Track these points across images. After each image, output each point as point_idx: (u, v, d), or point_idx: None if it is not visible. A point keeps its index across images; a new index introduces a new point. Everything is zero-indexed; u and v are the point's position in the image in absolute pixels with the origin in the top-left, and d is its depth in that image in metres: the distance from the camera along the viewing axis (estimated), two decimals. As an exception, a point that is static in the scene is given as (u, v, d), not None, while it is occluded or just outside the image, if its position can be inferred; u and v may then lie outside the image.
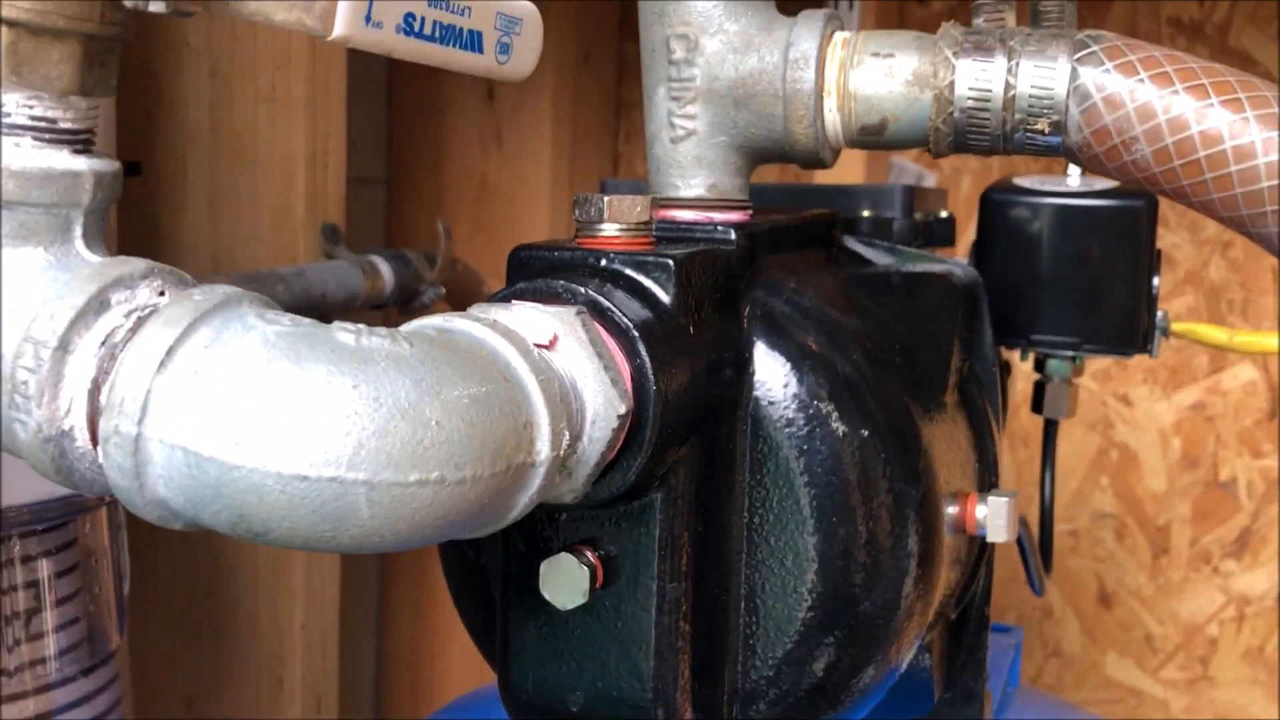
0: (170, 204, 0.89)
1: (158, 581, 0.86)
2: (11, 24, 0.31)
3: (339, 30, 0.33)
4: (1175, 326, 0.70)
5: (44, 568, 0.61)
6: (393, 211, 1.26)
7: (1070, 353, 0.66)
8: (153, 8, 0.31)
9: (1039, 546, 0.70)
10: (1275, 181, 0.42)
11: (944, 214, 0.72)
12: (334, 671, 0.94)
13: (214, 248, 0.88)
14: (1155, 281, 0.65)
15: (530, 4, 0.41)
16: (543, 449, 0.34)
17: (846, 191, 0.68)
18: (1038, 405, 0.71)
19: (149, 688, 0.85)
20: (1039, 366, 0.70)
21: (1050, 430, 0.74)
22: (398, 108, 1.25)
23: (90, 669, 0.63)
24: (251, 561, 0.88)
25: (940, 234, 0.71)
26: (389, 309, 0.96)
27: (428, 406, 0.30)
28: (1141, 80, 0.44)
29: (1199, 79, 0.43)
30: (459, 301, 1.03)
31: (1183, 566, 1.18)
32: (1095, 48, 0.45)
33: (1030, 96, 0.45)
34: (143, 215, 0.88)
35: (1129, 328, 0.65)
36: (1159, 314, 0.66)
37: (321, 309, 0.85)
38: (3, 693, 0.59)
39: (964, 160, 1.22)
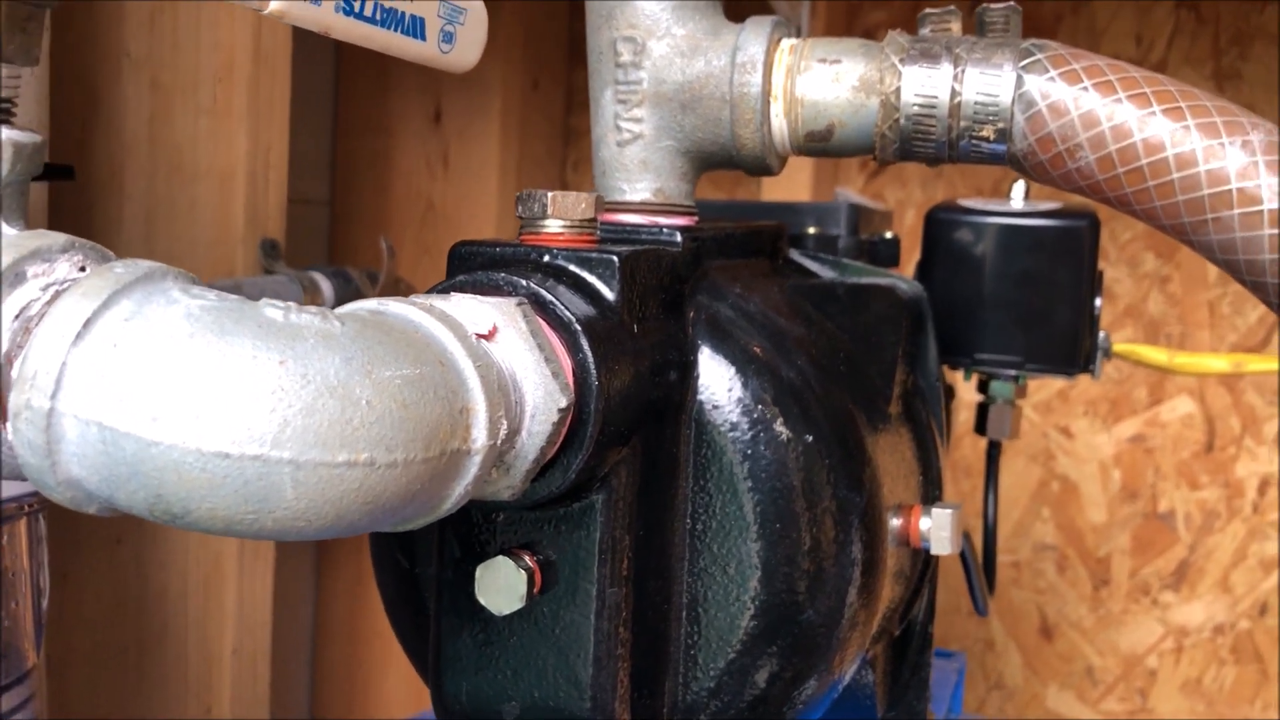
0: (105, 216, 0.86)
1: (82, 600, 0.83)
2: (-71, -17, 0.30)
3: (275, 3, 0.32)
4: (1117, 347, 0.70)
5: (-43, 581, 0.59)
6: (336, 233, 1.25)
7: (1013, 372, 0.66)
8: (80, -29, 0.30)
9: (983, 566, 0.70)
10: (1215, 189, 0.42)
11: (889, 235, 0.72)
12: (265, 698, 0.91)
13: (149, 260, 0.86)
14: (1098, 302, 0.65)
15: (475, -5, 0.40)
16: (479, 436, 0.32)
17: (793, 208, 0.68)
18: (981, 427, 0.71)
19: (68, 711, 0.82)
20: (982, 388, 0.71)
21: (993, 453, 0.74)
22: (342, 128, 1.24)
23: (4, 687, 0.60)
24: (181, 580, 0.85)
25: (885, 254, 0.71)
26: (329, 327, 0.94)
27: (358, 385, 0.29)
28: (1085, 88, 0.44)
29: (1141, 88, 0.44)
30: (401, 322, 1.02)
31: (1122, 598, 1.19)
32: (1040, 56, 0.45)
33: (976, 103, 0.45)
34: (77, 227, 0.86)
35: (1071, 348, 0.65)
36: (1101, 335, 0.67)
37: (259, 324, 0.83)
38: (-92, 711, 0.56)
39: (909, 192, 1.24)
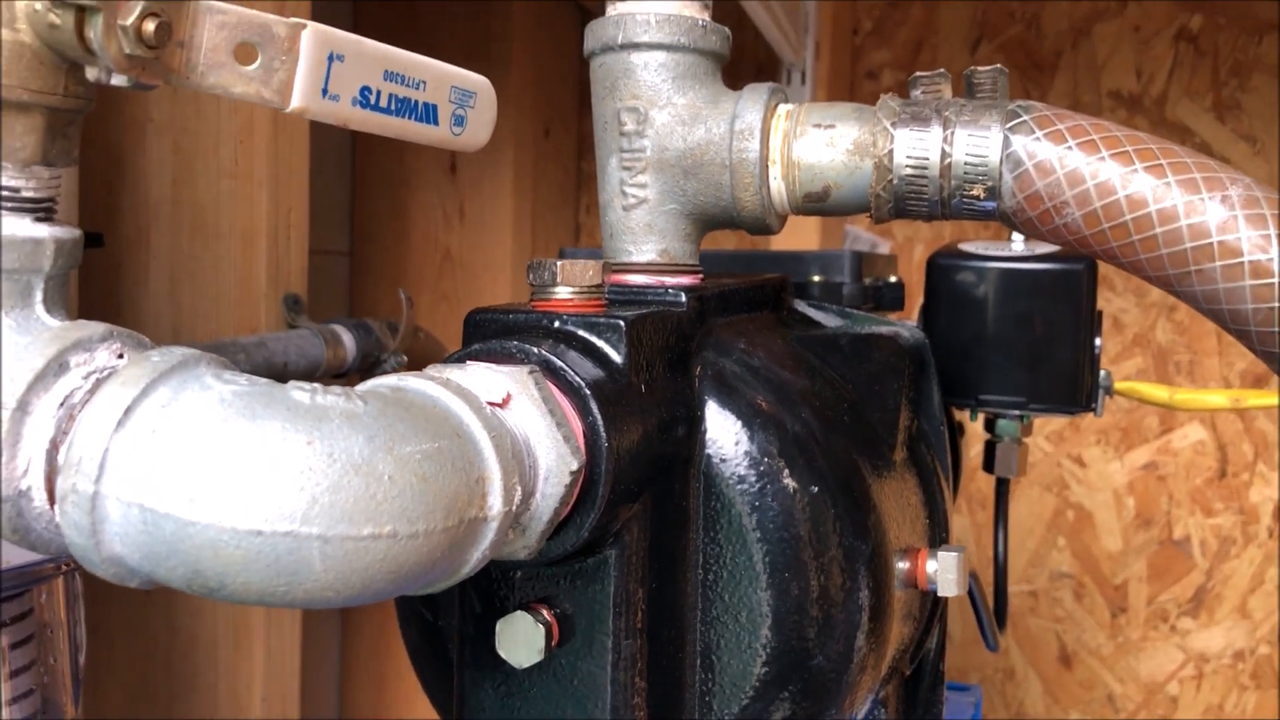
0: (132, 276, 0.89)
1: (114, 653, 0.85)
2: (-23, 98, 0.32)
3: (296, 102, 0.35)
4: (1118, 385, 0.72)
5: (-2, 639, 0.61)
6: (356, 283, 1.27)
7: (1018, 412, 0.68)
8: (115, 81, 0.32)
9: (994, 603, 0.71)
10: (1197, 242, 0.44)
11: (893, 279, 0.74)
12: (294, 745, 0.93)
13: (175, 319, 0.88)
14: (1097, 342, 0.67)
15: (483, 78, 0.43)
16: (495, 503, 0.34)
17: (798, 257, 0.70)
18: (989, 465, 0.72)
19: (104, 763, 0.84)
20: (989, 426, 0.72)
21: (1002, 489, 0.75)
22: (360, 181, 1.27)
23: (44, 742, 0.62)
24: (211, 632, 0.87)
25: (890, 298, 0.73)
26: (351, 378, 0.96)
27: (381, 462, 0.31)
28: (1070, 147, 0.46)
29: (1123, 146, 0.46)
30: (422, 369, 1.04)
31: (1141, 625, 1.19)
32: (1026, 117, 0.47)
33: (965, 164, 0.47)
34: (104, 287, 0.89)
35: (1073, 387, 0.66)
36: (1102, 373, 0.68)
37: (283, 378, 0.85)
38: (-47, 768, 0.58)
39: (915, 228, 1.25)
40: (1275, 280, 0.43)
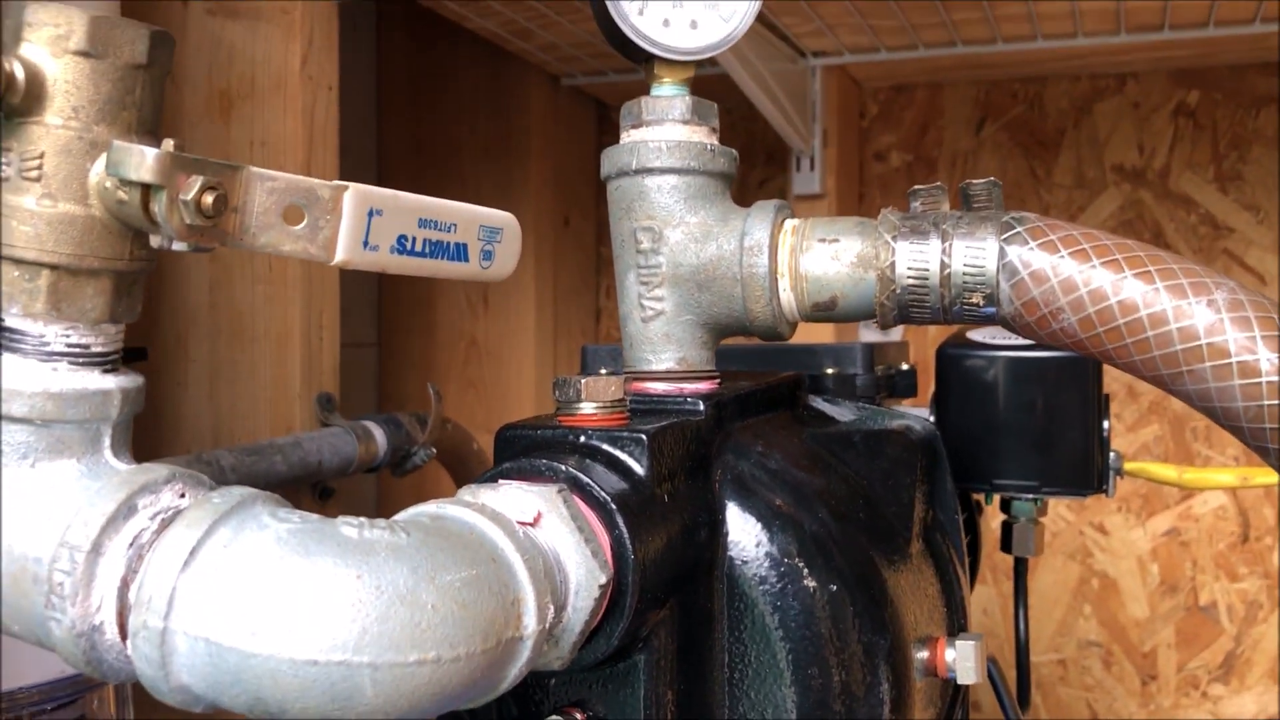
0: (172, 380, 0.93)
1: (159, 752, 0.87)
2: (53, 267, 0.35)
3: (340, 256, 0.38)
4: (1128, 466, 0.74)
5: (53, 745, 0.63)
6: (385, 373, 1.31)
7: (1031, 495, 0.70)
8: (176, 247, 0.36)
9: (1017, 681, 0.73)
10: (1187, 344, 0.46)
11: (905, 366, 0.77)
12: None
13: (214, 421, 0.92)
14: (1106, 425, 0.69)
15: (509, 214, 0.46)
16: (530, 623, 0.37)
17: (811, 351, 0.73)
18: (1006, 545, 0.74)
19: None
20: (1005, 507, 0.74)
21: (1021, 568, 0.77)
22: (388, 275, 1.31)
23: (97, 845, 0.64)
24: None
25: (902, 385, 0.75)
26: (382, 471, 0.99)
27: (424, 591, 0.34)
28: (1062, 256, 0.49)
29: (1113, 254, 0.48)
30: (450, 460, 1.07)
31: (1172, 692, 1.19)
32: (1020, 229, 0.50)
33: (964, 274, 0.50)
34: (145, 391, 0.92)
35: (1084, 470, 0.68)
36: (1112, 454, 0.70)
37: (318, 475, 0.88)
38: None
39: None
40: (1263, 380, 0.45)
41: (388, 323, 1.31)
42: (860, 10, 1.08)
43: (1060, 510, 1.21)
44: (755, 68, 1.04)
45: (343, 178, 0.98)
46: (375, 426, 0.96)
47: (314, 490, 0.94)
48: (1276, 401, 0.45)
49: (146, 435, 0.93)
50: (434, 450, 1.00)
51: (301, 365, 0.92)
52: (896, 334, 0.90)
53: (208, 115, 0.93)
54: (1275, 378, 0.44)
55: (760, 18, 1.03)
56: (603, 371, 0.75)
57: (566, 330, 1.36)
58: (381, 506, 1.30)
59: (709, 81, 1.14)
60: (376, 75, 1.32)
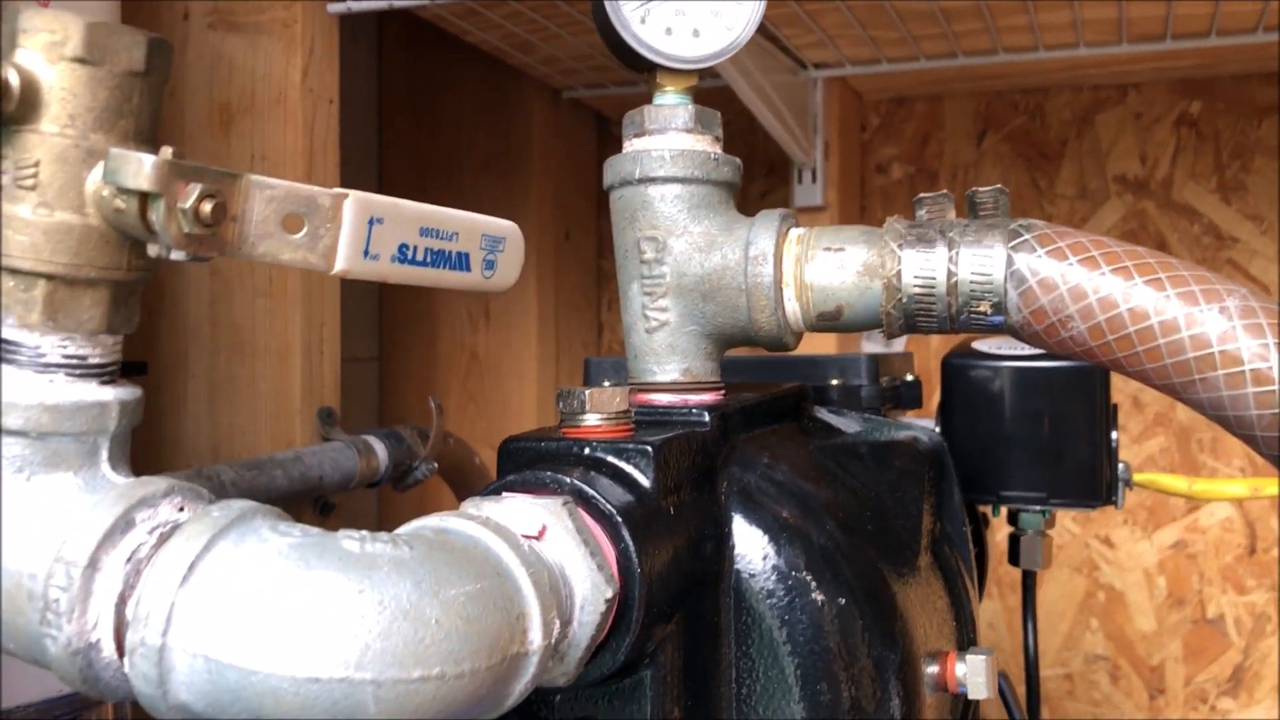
0: (172, 395, 0.92)
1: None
2: (49, 277, 0.35)
3: (340, 265, 0.37)
4: (1137, 478, 0.73)
5: (51, 765, 0.62)
6: (386, 387, 1.30)
7: (1039, 507, 0.69)
8: (174, 257, 0.35)
9: (1026, 697, 0.72)
10: (1199, 352, 0.46)
11: (910, 377, 0.76)
12: None
13: (214, 436, 0.91)
14: (1114, 436, 0.68)
15: (511, 223, 0.45)
16: (535, 638, 0.36)
17: (816, 362, 0.72)
18: (1014, 558, 0.74)
19: None
20: (1012, 519, 0.73)
21: (1029, 581, 0.76)
22: (388, 288, 1.30)
23: None
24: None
25: (907, 397, 0.75)
26: (384, 485, 0.98)
27: (428, 606, 0.33)
28: (1071, 264, 0.48)
29: (1123, 261, 0.48)
30: (452, 474, 1.06)
31: (1180, 706, 1.18)
32: (1028, 236, 0.49)
33: (971, 282, 0.49)
34: (145, 408, 0.91)
35: (1092, 482, 0.68)
36: (1120, 466, 0.69)
37: (319, 490, 0.88)
38: None
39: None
40: (1276, 387, 0.44)
41: (388, 336, 1.30)
42: (861, 21, 1.08)
43: (1066, 523, 1.20)
44: (756, 79, 1.04)
45: (343, 191, 0.98)
46: (376, 441, 0.95)
47: (315, 505, 0.94)
48: (1291, 409, 0.44)
49: (147, 450, 0.92)
50: (436, 465, 1.00)
51: (302, 379, 0.92)
52: (899, 345, 0.89)
53: (208, 129, 0.92)
54: (1290, 385, 0.44)
55: (761, 29, 1.02)
56: (606, 384, 0.74)
57: (568, 344, 1.36)
58: (383, 521, 1.29)
59: (710, 93, 1.14)
60: (377, 88, 1.32)
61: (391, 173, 1.29)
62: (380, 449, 0.94)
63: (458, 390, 1.29)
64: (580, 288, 1.40)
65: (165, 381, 0.92)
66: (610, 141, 1.47)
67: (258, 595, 0.32)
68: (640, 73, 0.55)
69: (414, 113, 1.30)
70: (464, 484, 1.07)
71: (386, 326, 1.30)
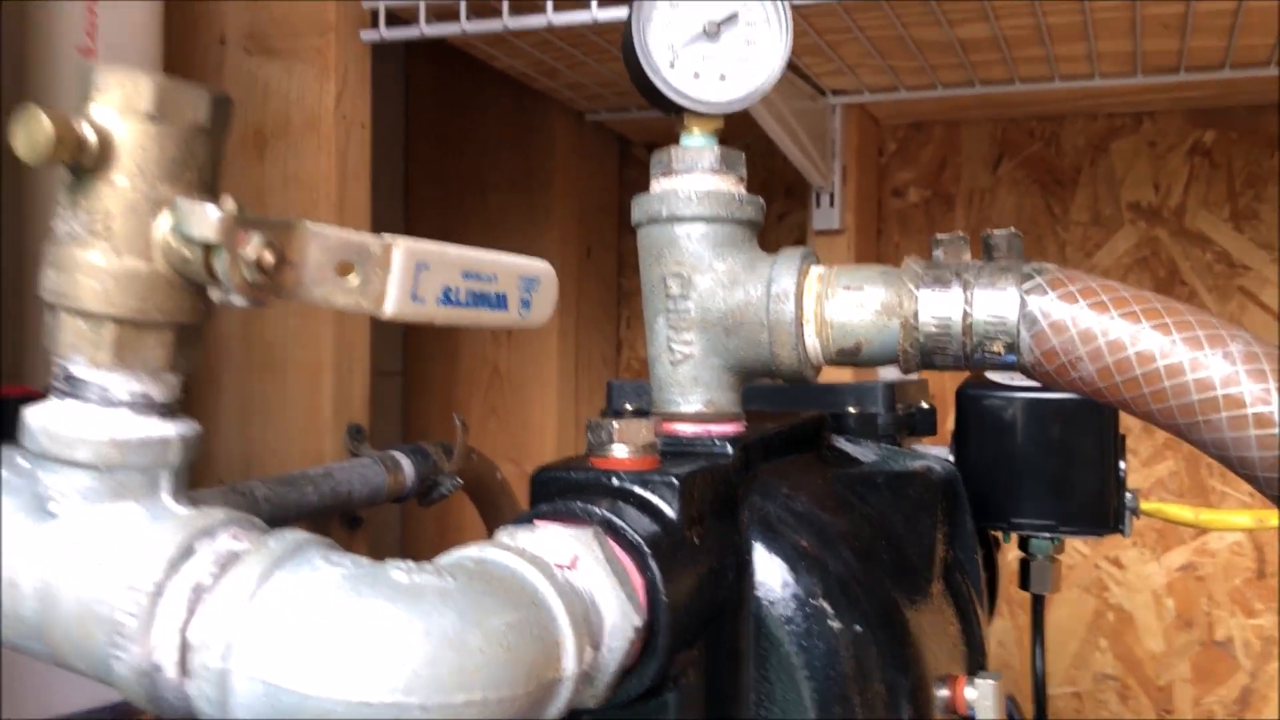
0: (205, 412, 0.95)
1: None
2: (118, 320, 0.37)
3: (390, 308, 0.40)
4: (1144, 506, 0.75)
5: (91, 772, 0.65)
6: (409, 401, 1.33)
7: (1048, 535, 0.71)
8: (235, 301, 0.37)
9: (1034, 718, 0.74)
10: (1203, 395, 0.48)
11: (925, 405, 0.78)
12: None
13: (246, 453, 0.94)
14: (1122, 465, 0.70)
15: (545, 263, 0.48)
16: (569, 665, 0.38)
17: (834, 390, 0.74)
18: (1024, 582, 0.75)
19: None
20: (1023, 545, 0.75)
21: (1038, 605, 0.78)
22: (412, 304, 1.33)
23: None
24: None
25: (922, 424, 0.77)
26: (410, 499, 1.01)
27: (471, 636, 0.35)
28: (1081, 307, 0.50)
29: (1130, 305, 0.50)
30: (475, 489, 1.09)
31: (1188, 727, 1.20)
32: (1040, 279, 0.51)
33: (985, 323, 0.51)
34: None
35: (1101, 510, 0.70)
36: (1128, 495, 0.71)
37: (348, 505, 0.90)
38: None
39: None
40: (1277, 430, 0.46)
41: (412, 351, 1.33)
42: (880, 51, 1.10)
43: (1075, 544, 1.22)
44: (776, 106, 1.06)
45: (372, 212, 1.00)
46: (403, 457, 0.97)
47: (343, 520, 0.96)
48: (1291, 453, 0.46)
49: (178, 464, 0.95)
50: (460, 480, 1.02)
51: (332, 396, 0.94)
52: (915, 373, 0.91)
53: (243, 153, 0.95)
54: (1290, 430, 0.46)
55: (782, 58, 1.04)
56: (628, 407, 0.76)
57: (587, 359, 1.38)
58: (405, 534, 1.32)
59: (730, 118, 1.16)
60: (404, 110, 1.34)
61: (417, 193, 1.32)
62: (407, 465, 0.96)
63: (479, 404, 1.31)
64: (601, 304, 1.43)
65: (199, 398, 0.95)
66: (632, 163, 1.49)
67: (313, 623, 0.34)
68: (667, 114, 0.57)
69: (439, 134, 1.33)
70: (486, 499, 1.10)
71: (411, 342, 1.33)
